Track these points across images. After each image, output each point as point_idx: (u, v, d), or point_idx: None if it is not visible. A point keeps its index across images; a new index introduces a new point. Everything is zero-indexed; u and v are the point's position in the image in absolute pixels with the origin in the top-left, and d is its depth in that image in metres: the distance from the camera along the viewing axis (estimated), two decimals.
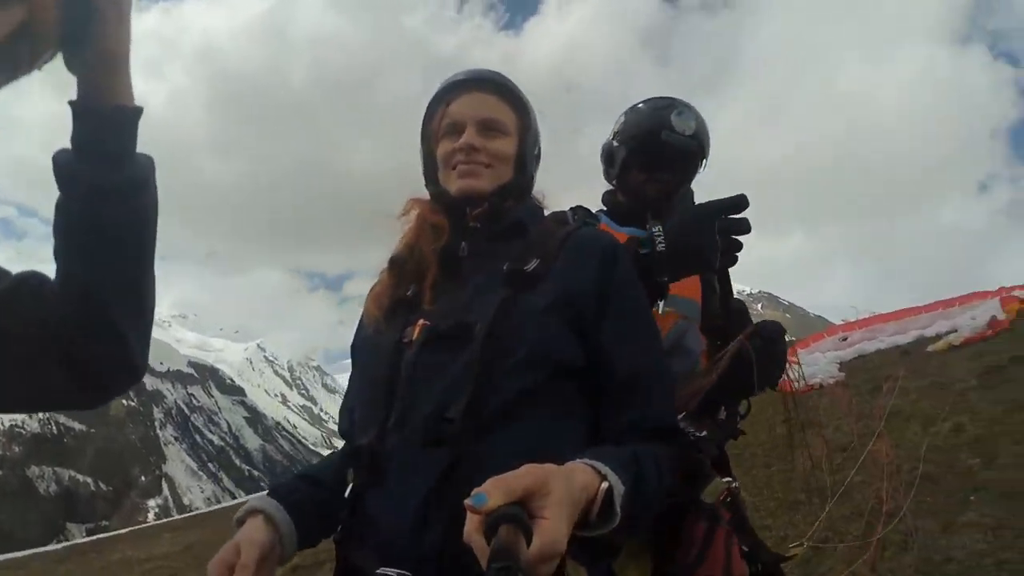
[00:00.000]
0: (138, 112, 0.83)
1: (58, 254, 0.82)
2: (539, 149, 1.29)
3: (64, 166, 0.81)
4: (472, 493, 0.68)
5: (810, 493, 6.17)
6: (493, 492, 0.68)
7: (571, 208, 1.81)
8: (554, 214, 1.72)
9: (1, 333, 0.78)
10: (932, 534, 4.05)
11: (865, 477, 5.33)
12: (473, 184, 1.16)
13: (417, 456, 0.98)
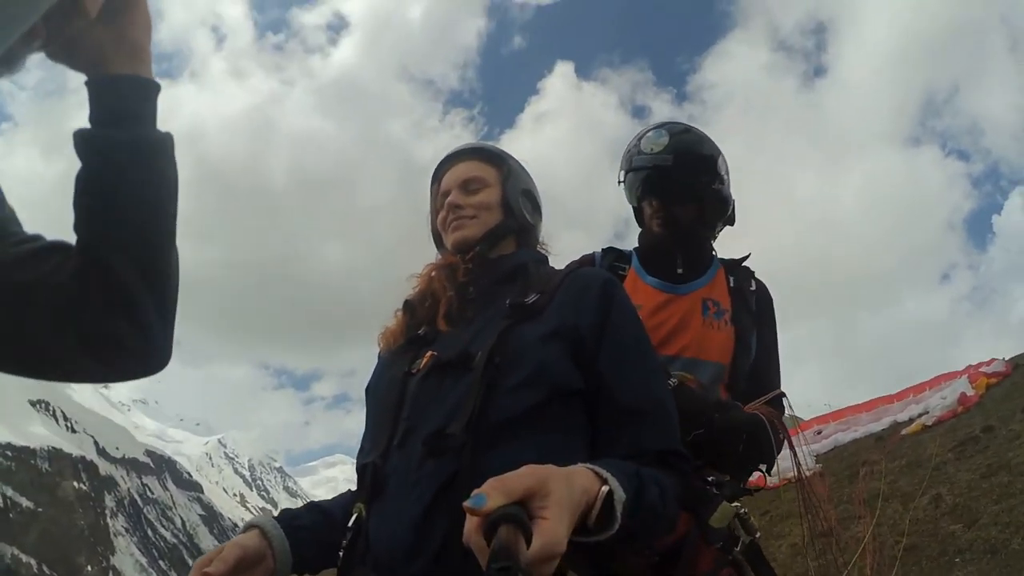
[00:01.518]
0: (156, 86, 0.83)
1: (76, 226, 0.79)
2: (530, 194, 1.38)
3: (80, 134, 0.80)
4: (472, 494, 0.68)
5: None
6: (492, 493, 0.68)
7: (603, 249, 1.85)
8: (582, 257, 1.84)
9: (21, 292, 0.76)
10: None
11: (849, 559, 5.23)
12: (462, 235, 1.28)
13: (417, 470, 1.03)
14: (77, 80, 0.81)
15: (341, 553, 1.08)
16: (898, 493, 6.38)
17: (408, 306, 1.29)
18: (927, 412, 9.17)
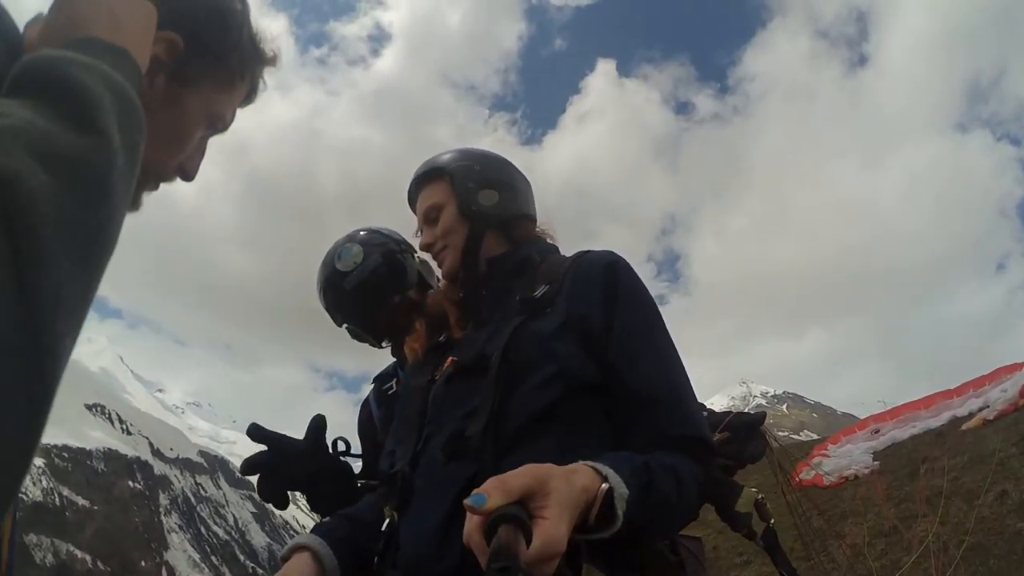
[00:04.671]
0: None
1: None
2: (494, 181, 1.29)
3: None
4: (472, 493, 0.69)
5: None
6: (492, 492, 0.69)
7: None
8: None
9: None
10: None
11: (914, 558, 5.09)
12: (445, 269, 1.28)
13: (439, 475, 1.04)
14: None
15: (376, 559, 1.10)
16: (961, 490, 6.19)
17: (427, 316, 1.32)
18: (987, 406, 8.90)
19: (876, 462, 8.96)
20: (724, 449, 1.42)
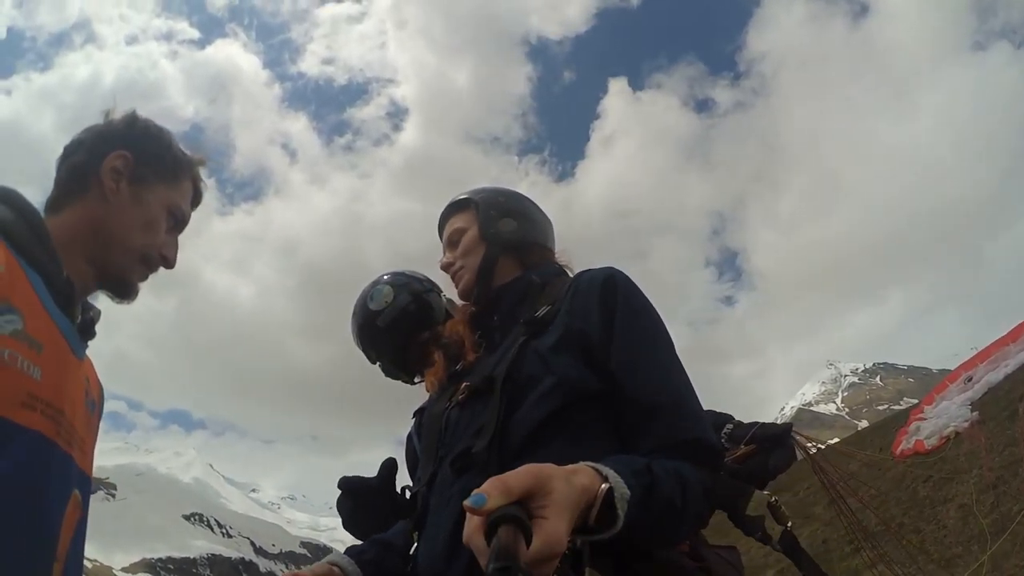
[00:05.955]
0: None
1: None
2: (515, 211, 1.39)
3: None
4: (472, 493, 0.68)
5: (968, 542, 5.41)
6: (492, 493, 0.68)
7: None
8: None
9: None
10: None
11: None
12: (461, 288, 1.38)
13: (448, 490, 1.10)
14: None
15: None
16: None
17: (444, 347, 1.37)
18: None
19: (975, 412, 8.16)
20: (749, 461, 1.43)
